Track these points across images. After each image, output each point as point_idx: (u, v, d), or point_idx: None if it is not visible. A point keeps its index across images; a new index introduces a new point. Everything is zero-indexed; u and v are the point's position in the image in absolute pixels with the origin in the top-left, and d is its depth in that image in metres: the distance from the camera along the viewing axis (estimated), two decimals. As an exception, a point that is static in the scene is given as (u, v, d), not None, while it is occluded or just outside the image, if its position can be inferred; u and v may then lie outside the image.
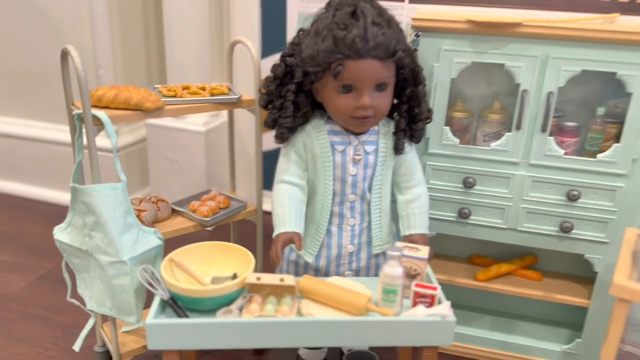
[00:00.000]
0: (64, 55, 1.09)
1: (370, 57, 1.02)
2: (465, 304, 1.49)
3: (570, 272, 1.40)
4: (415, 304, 1.01)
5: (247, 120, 1.90)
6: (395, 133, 1.16)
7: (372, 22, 1.02)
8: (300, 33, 1.13)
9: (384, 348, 1.36)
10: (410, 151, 1.19)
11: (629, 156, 1.17)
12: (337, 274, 1.20)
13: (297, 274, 1.22)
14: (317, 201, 1.17)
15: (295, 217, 1.13)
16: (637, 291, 0.90)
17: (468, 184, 1.26)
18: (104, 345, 1.33)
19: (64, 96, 1.14)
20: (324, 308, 1.03)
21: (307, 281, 1.05)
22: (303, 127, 1.15)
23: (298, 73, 1.10)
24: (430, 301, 1.01)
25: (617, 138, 1.19)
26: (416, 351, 1.09)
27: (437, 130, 1.26)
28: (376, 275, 1.21)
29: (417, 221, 1.19)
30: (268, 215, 1.20)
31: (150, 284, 1.04)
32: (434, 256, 1.43)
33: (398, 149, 1.16)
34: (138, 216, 1.19)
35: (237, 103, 1.26)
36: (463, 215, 1.29)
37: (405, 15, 1.36)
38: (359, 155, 1.14)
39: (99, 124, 1.06)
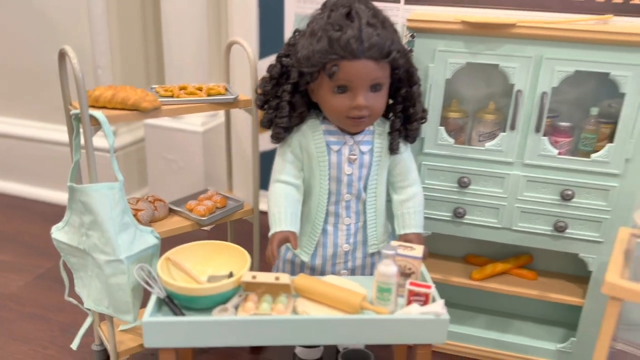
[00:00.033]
0: (62, 55, 1.10)
1: (365, 57, 1.03)
2: (461, 303, 1.50)
3: (565, 272, 1.41)
4: (409, 302, 1.02)
5: (245, 121, 1.91)
6: (390, 133, 1.17)
7: (367, 23, 1.03)
8: (296, 34, 1.14)
9: (379, 346, 1.37)
10: (405, 151, 1.20)
11: (622, 156, 1.17)
12: (333, 273, 1.20)
13: (293, 272, 1.23)
14: (312, 200, 1.18)
15: (290, 217, 1.14)
16: (629, 289, 0.91)
17: (463, 184, 1.27)
18: (102, 343, 1.34)
19: (62, 96, 1.15)
20: (320, 306, 1.04)
21: (303, 280, 1.06)
22: (299, 127, 1.16)
23: (294, 73, 1.10)
24: (425, 299, 1.02)
25: (610, 138, 1.20)
26: (411, 349, 1.10)
27: (432, 130, 1.27)
28: (372, 274, 1.22)
29: (412, 220, 1.20)
30: (265, 214, 1.20)
31: (147, 283, 1.05)
32: (430, 255, 1.44)
33: (393, 149, 1.17)
34: (135, 215, 1.20)
35: (234, 103, 1.27)
36: (458, 214, 1.30)
37: (401, 16, 1.37)
38: (354, 155, 1.15)
39: (96, 123, 1.07)
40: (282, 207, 1.14)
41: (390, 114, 1.17)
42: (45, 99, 2.11)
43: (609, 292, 0.93)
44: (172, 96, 1.21)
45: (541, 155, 1.22)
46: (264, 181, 1.44)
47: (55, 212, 2.11)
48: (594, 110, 1.23)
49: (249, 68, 1.27)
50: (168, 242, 1.21)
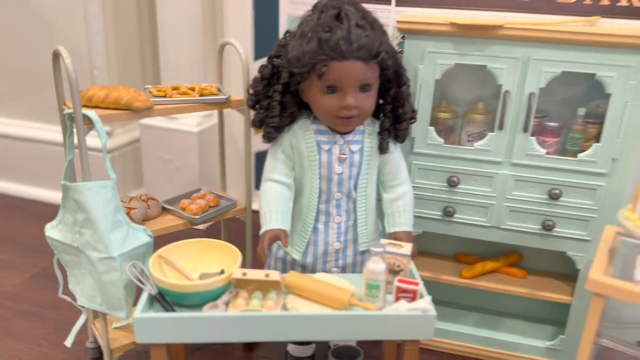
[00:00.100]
0: (56, 56, 1.11)
1: (354, 58, 1.05)
2: (452, 301, 1.51)
3: (553, 270, 1.43)
4: (397, 299, 1.04)
5: (240, 121, 1.92)
6: (380, 133, 1.18)
7: (356, 25, 1.04)
8: (287, 35, 1.16)
9: (370, 343, 1.39)
10: (395, 150, 1.21)
11: (608, 156, 1.19)
12: (324, 271, 1.22)
13: (284, 270, 1.24)
14: (303, 199, 1.20)
15: (281, 215, 1.15)
16: (612, 286, 0.93)
17: (452, 183, 1.29)
18: (96, 341, 1.36)
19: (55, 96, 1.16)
20: (309, 303, 1.05)
21: (293, 277, 1.08)
22: (290, 127, 1.18)
23: (284, 74, 1.12)
24: (412, 296, 1.03)
25: (597, 138, 1.22)
26: (401, 346, 1.11)
27: (422, 130, 1.28)
28: (362, 272, 1.23)
29: (401, 219, 1.21)
30: (258, 213, 1.22)
31: (139, 280, 1.07)
32: (421, 254, 1.46)
33: (383, 149, 1.18)
34: (128, 214, 1.21)
35: (226, 103, 1.29)
36: (447, 213, 1.32)
37: (392, 17, 1.38)
38: (345, 154, 1.17)
39: (89, 123, 1.09)
40: (273, 205, 1.16)
41: (380, 114, 1.19)
42: (42, 100, 2.12)
43: (592, 288, 0.94)
44: (164, 96, 1.22)
45: (529, 154, 1.23)
46: (259, 181, 1.46)
47: (52, 212, 2.10)
48: (581, 111, 1.25)
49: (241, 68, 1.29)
50: (162, 241, 1.23)
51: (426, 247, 1.48)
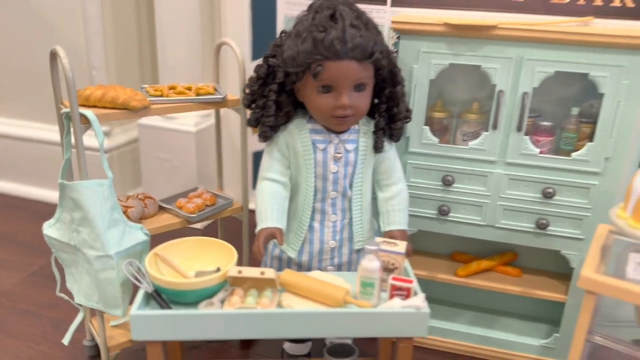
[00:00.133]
0: (53, 55, 1.12)
1: (348, 58, 1.06)
2: (447, 299, 1.52)
3: (548, 269, 1.44)
4: (392, 296, 1.05)
5: (238, 121, 1.93)
6: (375, 132, 1.19)
7: (350, 25, 1.06)
8: (282, 35, 1.17)
9: (366, 341, 1.39)
10: (390, 150, 1.22)
11: (601, 155, 1.20)
12: (320, 269, 1.23)
13: (280, 269, 1.25)
14: (299, 198, 1.21)
15: (277, 213, 1.16)
16: (603, 283, 0.94)
17: (447, 182, 1.30)
18: (93, 339, 1.37)
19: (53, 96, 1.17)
20: (304, 301, 1.06)
21: (288, 275, 1.09)
22: (286, 126, 1.19)
23: (280, 73, 1.13)
24: (406, 294, 1.04)
25: (591, 137, 1.23)
26: (395, 344, 1.12)
27: (417, 130, 1.29)
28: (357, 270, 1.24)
29: (396, 217, 1.22)
30: (254, 212, 1.23)
31: (136, 278, 1.08)
32: (417, 253, 1.47)
33: (378, 148, 1.19)
34: (125, 212, 1.22)
35: (222, 103, 1.29)
36: (442, 212, 1.33)
37: (387, 18, 1.39)
38: (340, 153, 1.18)
39: (86, 122, 1.10)
40: (268, 204, 1.17)
41: (375, 114, 1.20)
42: (42, 99, 2.13)
43: (584, 286, 0.95)
44: (161, 96, 1.23)
45: (523, 154, 1.24)
46: (257, 180, 1.47)
47: (51, 211, 2.09)
48: (575, 110, 1.26)
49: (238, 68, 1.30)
50: (159, 240, 1.23)
51: (422, 245, 1.49)
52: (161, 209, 1.35)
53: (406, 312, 1.00)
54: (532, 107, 1.22)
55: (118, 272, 1.13)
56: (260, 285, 1.07)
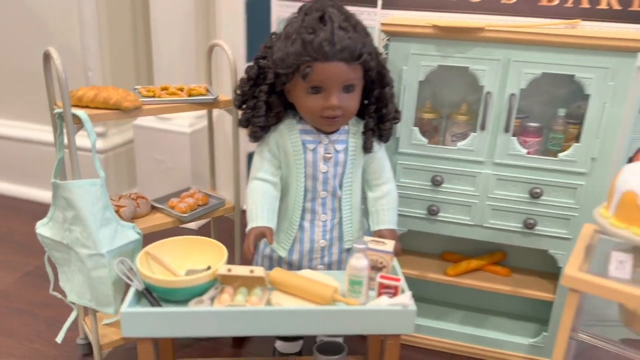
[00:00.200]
0: (47, 56, 1.14)
1: (337, 59, 1.07)
2: (437, 299, 1.53)
3: (537, 268, 1.45)
4: (379, 294, 1.06)
5: (233, 121, 1.95)
6: (364, 132, 1.21)
7: (339, 27, 1.07)
8: (273, 36, 1.18)
9: (357, 339, 1.41)
10: (379, 150, 1.24)
11: (588, 155, 1.22)
12: (310, 268, 1.24)
13: (271, 267, 1.26)
14: (290, 197, 1.22)
15: (267, 213, 1.18)
16: (586, 281, 0.95)
17: (436, 182, 1.31)
18: (86, 337, 1.38)
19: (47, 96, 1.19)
20: (293, 299, 1.07)
21: (278, 273, 1.10)
22: (276, 127, 1.20)
23: (270, 75, 1.15)
24: (394, 292, 1.06)
25: (577, 138, 1.24)
26: (383, 342, 1.14)
27: (406, 131, 1.31)
28: (347, 269, 1.26)
29: (385, 217, 1.24)
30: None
31: (127, 276, 1.09)
32: (407, 252, 1.48)
33: (367, 148, 1.21)
34: (117, 211, 1.23)
35: (214, 103, 1.31)
36: (432, 212, 1.34)
37: (378, 20, 1.41)
38: (329, 153, 1.19)
39: (78, 122, 1.11)
40: (259, 203, 1.18)
41: (365, 114, 1.22)
42: (36, 100, 2.14)
43: (567, 284, 0.97)
44: (153, 96, 1.25)
45: (510, 154, 1.26)
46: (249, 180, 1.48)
47: (46, 212, 2.11)
48: (562, 111, 1.27)
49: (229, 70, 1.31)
50: (153, 239, 1.24)
51: (412, 245, 1.50)
52: (154, 208, 1.36)
53: (393, 309, 1.02)
54: (519, 108, 1.24)
55: (110, 271, 1.15)
56: (250, 283, 1.08)
